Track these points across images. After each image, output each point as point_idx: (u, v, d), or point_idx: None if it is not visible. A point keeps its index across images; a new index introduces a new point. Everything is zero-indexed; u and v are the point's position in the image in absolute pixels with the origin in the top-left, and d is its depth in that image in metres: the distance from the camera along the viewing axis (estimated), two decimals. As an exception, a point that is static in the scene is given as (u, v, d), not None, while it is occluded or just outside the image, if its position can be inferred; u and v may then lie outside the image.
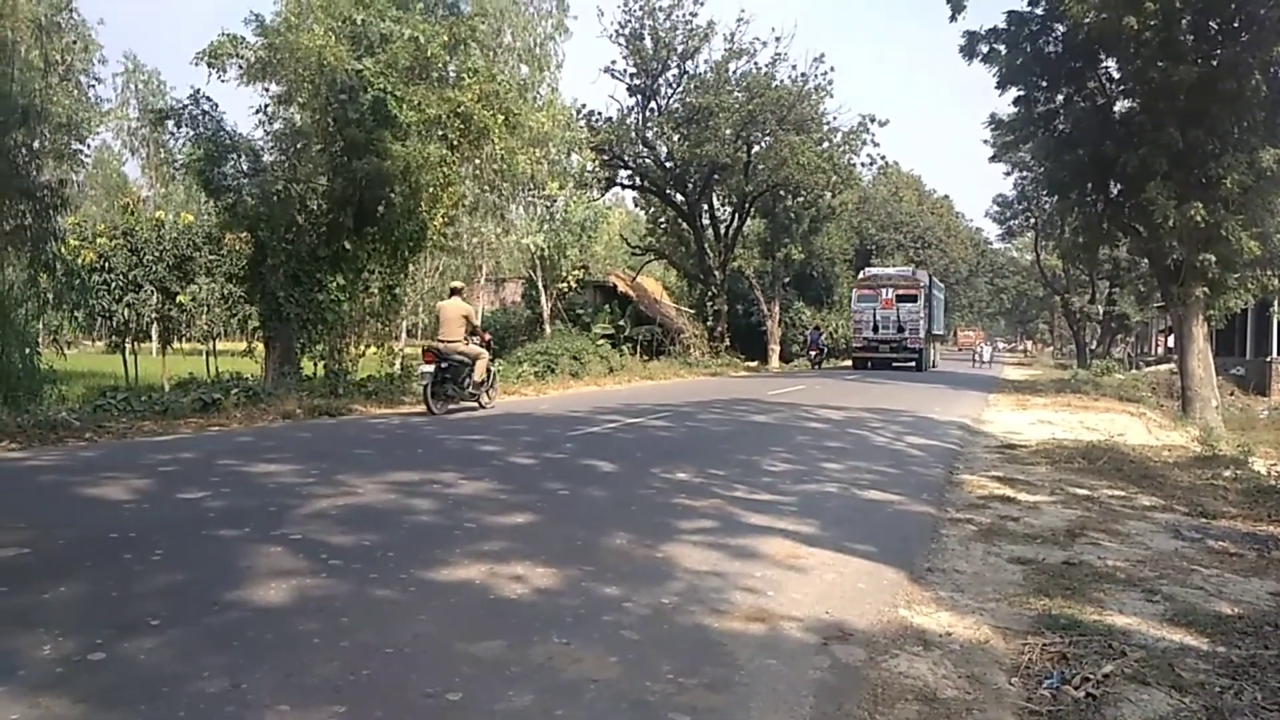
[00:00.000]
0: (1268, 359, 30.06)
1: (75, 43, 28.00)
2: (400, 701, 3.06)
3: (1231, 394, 27.29)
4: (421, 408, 13.15)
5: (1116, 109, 20.12)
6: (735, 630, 3.90)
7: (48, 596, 4.04)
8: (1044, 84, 20.55)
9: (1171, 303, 20.29)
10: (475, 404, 13.82)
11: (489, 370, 14.12)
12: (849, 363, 37.57)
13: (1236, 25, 17.13)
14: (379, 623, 3.83)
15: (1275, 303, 27.25)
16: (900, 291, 33.62)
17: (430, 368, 12.74)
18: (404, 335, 26.47)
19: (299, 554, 4.83)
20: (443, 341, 13.18)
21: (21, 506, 6.14)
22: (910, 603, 4.46)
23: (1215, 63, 17.09)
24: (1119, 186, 20.05)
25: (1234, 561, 5.49)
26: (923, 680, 3.46)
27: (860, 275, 37.35)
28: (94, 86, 33.45)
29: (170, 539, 5.11)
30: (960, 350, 71.56)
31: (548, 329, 27.81)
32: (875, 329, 33.73)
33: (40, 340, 13.38)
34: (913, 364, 33.95)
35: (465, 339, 13.45)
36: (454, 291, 14.33)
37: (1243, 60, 16.35)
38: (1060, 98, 20.64)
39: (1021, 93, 20.86)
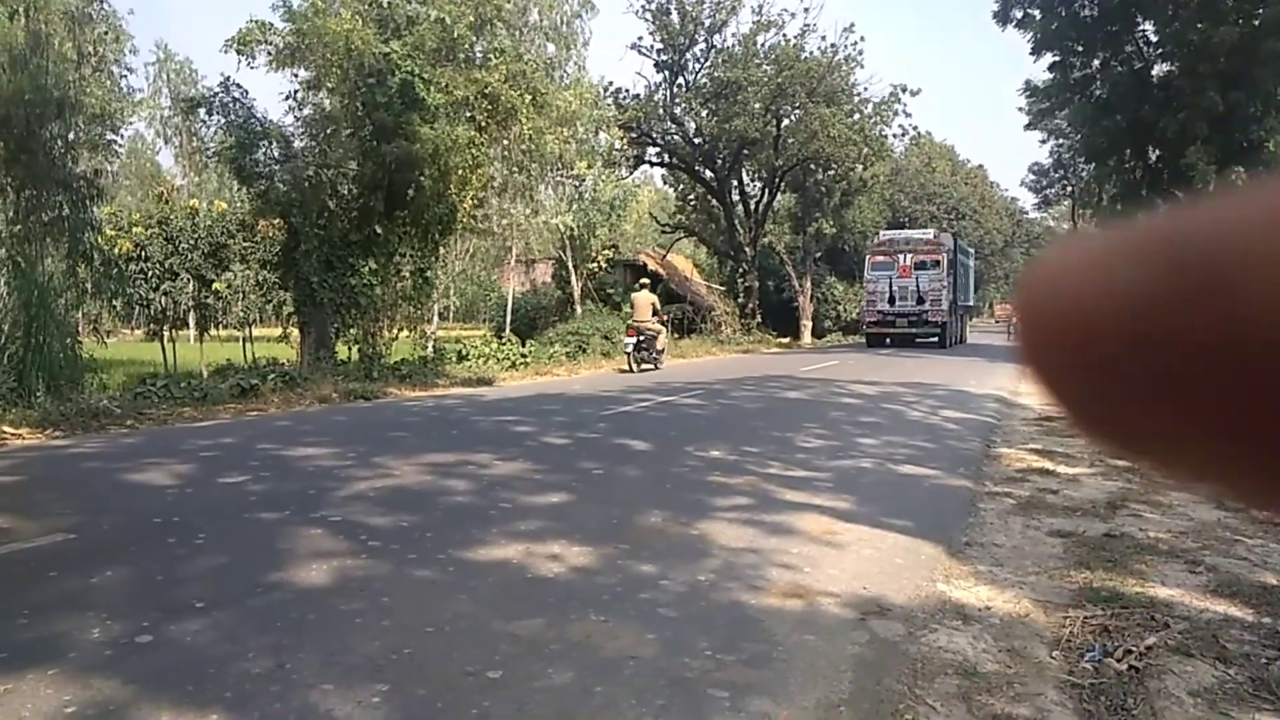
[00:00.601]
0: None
1: (106, 33, 28.23)
2: (441, 680, 3.09)
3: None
4: (458, 389, 13.33)
5: (1155, 73, 19.74)
6: (772, 607, 3.90)
7: (95, 581, 4.13)
8: (1080, 49, 20.21)
9: (1212, 270, 19.91)
10: (654, 365, 18.73)
11: (664, 342, 19.37)
12: (862, 340, 33.47)
13: (1279, -17, 16.68)
14: (419, 602, 3.87)
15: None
16: (920, 257, 29.76)
17: (632, 340, 18.05)
18: (436, 318, 26.60)
19: (339, 535, 4.89)
20: (638, 321, 18.32)
21: (67, 493, 6.26)
22: (949, 577, 4.43)
23: (1258, 22, 16.69)
24: (1158, 152, 19.71)
25: (1278, 531, 5.40)
26: (962, 654, 3.44)
27: (874, 241, 33.40)
28: (126, 77, 33.88)
29: (213, 523, 5.20)
30: (998, 323, 70.76)
31: (578, 309, 27.82)
32: (892, 300, 29.80)
33: (80, 329, 13.61)
34: (935, 339, 30.11)
35: (651, 319, 18.45)
36: (642, 285, 19.56)
37: (1286, 19, 15.94)
38: (1097, 62, 20.30)
39: (1057, 58, 20.54)
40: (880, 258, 30.40)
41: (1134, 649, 3.43)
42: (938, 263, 29.47)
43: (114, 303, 15.47)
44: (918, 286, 29.37)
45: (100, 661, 3.20)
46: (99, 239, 13.66)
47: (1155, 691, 3.13)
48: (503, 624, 3.63)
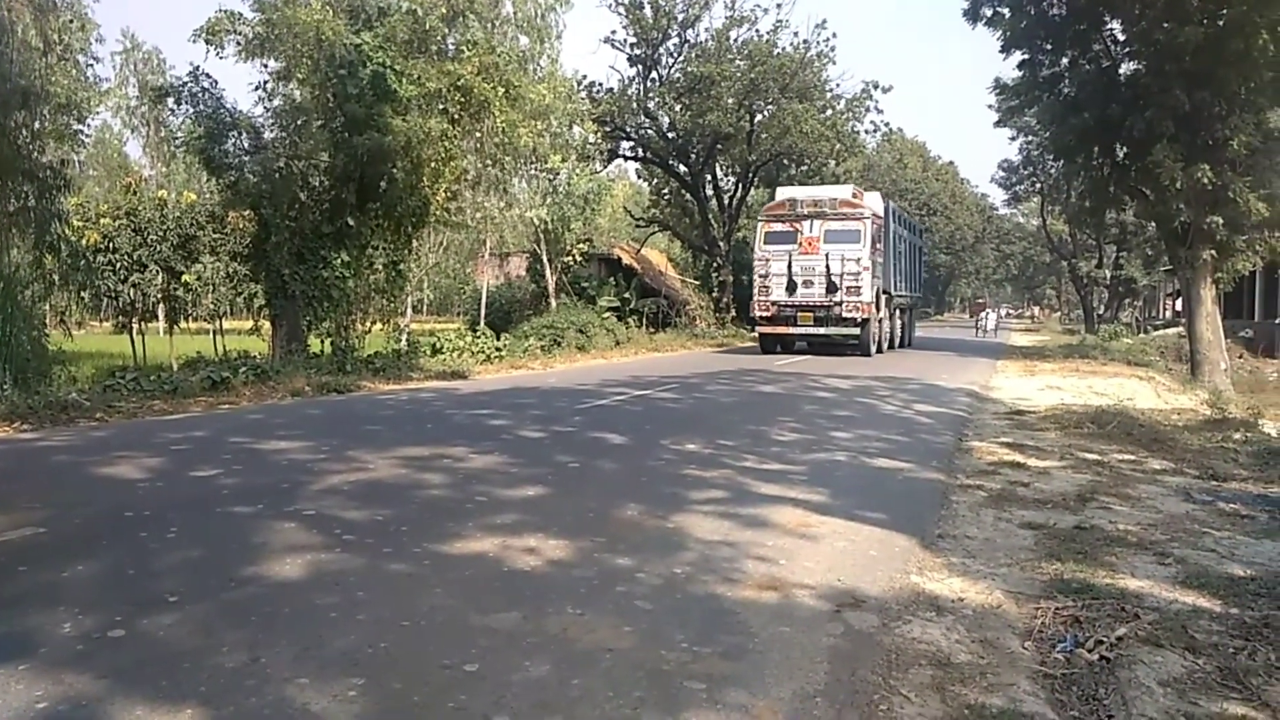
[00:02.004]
0: (1277, 321, 29.92)
1: (72, 22, 27.81)
2: (418, 673, 3.08)
3: (1240, 356, 27.17)
4: (433, 383, 13.31)
5: (1122, 71, 19.91)
6: (748, 599, 3.92)
7: (66, 575, 4.08)
8: (1048, 47, 20.33)
9: (1179, 266, 20.19)
10: None
11: None
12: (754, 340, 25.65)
13: (1244, -17, 16.89)
14: (394, 596, 3.86)
15: (1284, 264, 27.11)
16: (833, 225, 21.72)
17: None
18: (409, 311, 26.46)
19: (313, 529, 4.86)
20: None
21: (37, 487, 6.17)
22: (922, 569, 4.47)
23: (1222, 23, 16.88)
24: (1125, 149, 19.88)
25: (1245, 524, 5.49)
26: (936, 645, 3.48)
27: (768, 202, 25.12)
28: (92, 66, 33.25)
29: (185, 517, 5.15)
30: (972, 318, 71.24)
31: (553, 303, 27.75)
32: (791, 288, 21.71)
33: (47, 322, 13.41)
34: (854, 343, 22.28)
35: None
36: None
37: (1250, 20, 16.13)
38: (1065, 61, 20.43)
39: (1026, 56, 20.65)
40: (775, 226, 22.34)
41: (1105, 639, 3.48)
42: (858, 234, 21.49)
43: (82, 294, 15.26)
44: (828, 267, 21.38)
45: (72, 656, 3.17)
46: (66, 230, 13.45)
47: (1126, 681, 3.18)
48: (479, 617, 3.62)
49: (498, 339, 21.78)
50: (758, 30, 33.87)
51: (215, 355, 15.64)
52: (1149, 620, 3.69)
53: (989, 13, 20.16)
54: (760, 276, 22.33)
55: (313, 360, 14.97)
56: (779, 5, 43.61)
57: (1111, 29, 19.81)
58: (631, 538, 4.87)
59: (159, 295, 15.66)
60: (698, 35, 34.14)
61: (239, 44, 15.62)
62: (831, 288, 21.46)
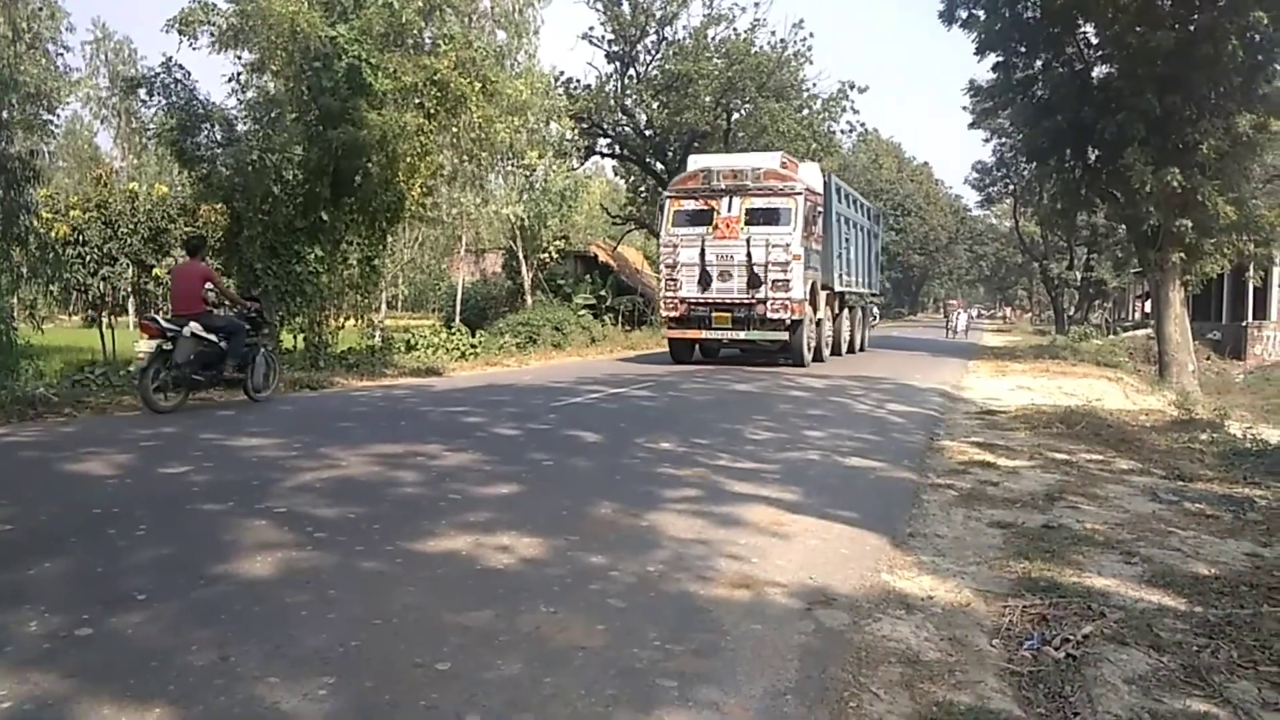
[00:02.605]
0: (1244, 324, 30.37)
1: (41, 10, 27.44)
2: (389, 672, 3.08)
3: (1208, 358, 27.57)
4: (407, 379, 13.28)
5: (1095, 75, 20.14)
6: (721, 597, 3.94)
7: (33, 573, 4.03)
8: (1023, 50, 20.53)
9: (1149, 268, 20.46)
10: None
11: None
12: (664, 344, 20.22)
13: (1214, -10, 17.13)
14: (366, 594, 3.84)
15: (1251, 268, 27.50)
16: (756, 202, 17.40)
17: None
18: (384, 307, 26.29)
19: (284, 527, 4.84)
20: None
21: (2, 483, 6.09)
22: (892, 567, 4.51)
23: (1193, 28, 17.12)
24: (1097, 152, 20.10)
25: (1210, 523, 5.58)
26: (905, 643, 3.51)
27: (680, 176, 19.80)
28: (62, 55, 32.80)
29: (154, 514, 5.10)
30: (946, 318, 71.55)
31: (529, 300, 27.71)
32: (704, 281, 17.41)
33: (15, 315, 13.22)
34: (783, 348, 18.01)
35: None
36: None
37: (1220, 25, 16.38)
38: (1039, 64, 20.64)
39: (1000, 59, 20.84)
40: (686, 204, 17.94)
41: (1071, 637, 3.53)
42: (788, 213, 17.19)
43: (50, 288, 15.04)
44: (749, 256, 17.04)
45: (38, 655, 3.13)
46: (35, 222, 13.26)
47: (1092, 679, 3.22)
48: (452, 615, 3.62)
49: (473, 336, 21.70)
50: (735, 29, 33.92)
51: (187, 350, 15.44)
52: (1115, 618, 3.74)
53: (964, 15, 20.33)
54: (667, 267, 17.77)
55: (285, 356, 14.84)
56: (756, 4, 43.75)
57: (1085, 33, 20.04)
58: (605, 536, 4.88)
59: (129, 289, 15.48)
60: (675, 33, 34.15)
61: (213, 35, 15.44)
62: (754, 281, 16.92)
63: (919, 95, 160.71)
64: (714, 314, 17.54)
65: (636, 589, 4.03)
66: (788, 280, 16.84)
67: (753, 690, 3.04)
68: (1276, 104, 18.28)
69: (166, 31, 15.18)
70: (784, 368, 17.64)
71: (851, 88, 35.16)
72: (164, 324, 9.76)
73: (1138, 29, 17.08)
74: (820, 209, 18.88)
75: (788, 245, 16.85)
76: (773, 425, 9.55)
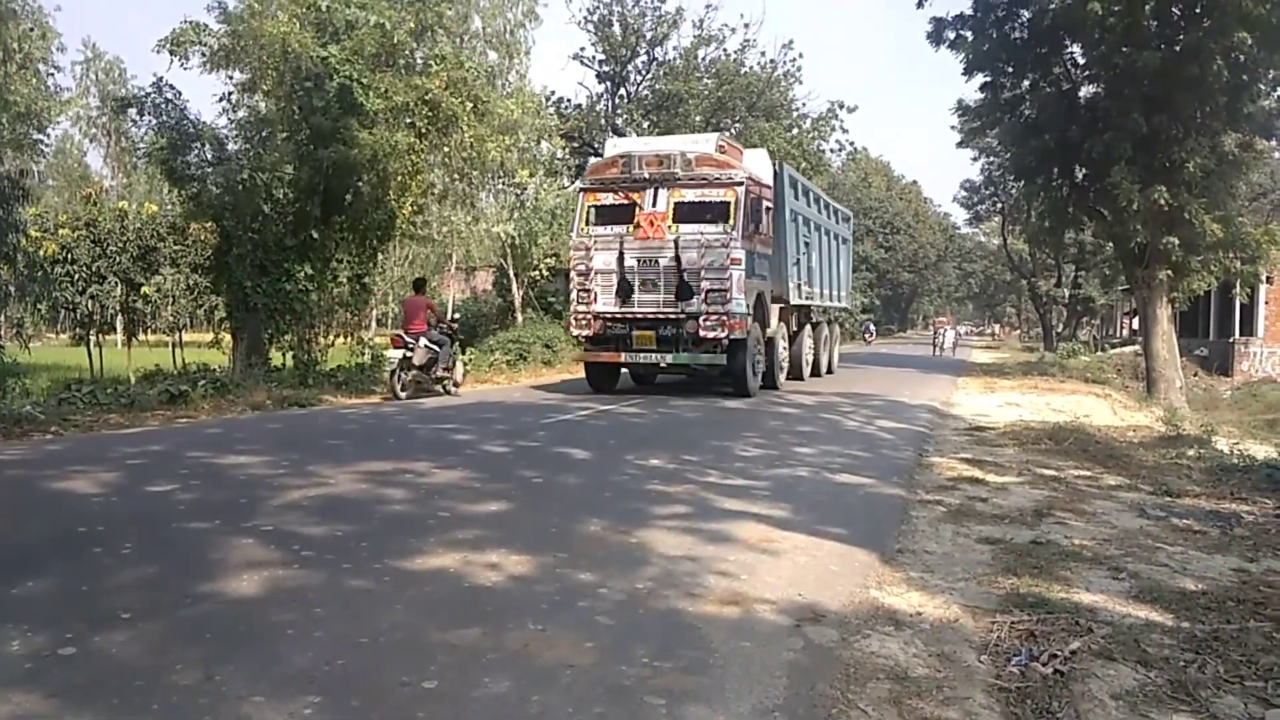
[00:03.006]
0: (1231, 340, 30.53)
1: (32, 30, 27.44)
2: (375, 691, 3.06)
3: (1195, 375, 27.70)
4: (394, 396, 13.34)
5: (1081, 94, 20.30)
6: (709, 614, 3.93)
7: (16, 592, 4.00)
8: (1010, 70, 20.69)
9: (1136, 285, 20.55)
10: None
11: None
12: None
13: (1198, 11, 17.32)
14: (353, 613, 3.82)
15: (1238, 285, 27.67)
16: (687, 194, 14.33)
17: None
18: (373, 325, 26.27)
19: (271, 545, 4.81)
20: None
21: (-14, 502, 6.05)
22: (881, 584, 4.51)
23: (1178, 48, 17.28)
24: (1084, 171, 20.25)
25: (1198, 539, 5.59)
26: (894, 659, 3.50)
27: (596, 161, 16.19)
28: (53, 75, 32.78)
29: (140, 532, 5.07)
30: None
31: (519, 317, 27.70)
32: (622, 291, 14.22)
33: (2, 333, 13.17)
34: (722, 373, 14.89)
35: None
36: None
37: (1205, 46, 16.54)
38: (1026, 83, 20.80)
39: (988, 79, 21.00)
40: (604, 197, 14.64)
41: (1059, 653, 3.53)
42: (725, 208, 14.02)
43: (38, 306, 15.00)
44: (679, 260, 13.77)
45: (20, 675, 3.11)
46: (24, 241, 13.23)
47: (1079, 694, 3.22)
48: (439, 634, 3.60)
49: (463, 353, 21.67)
50: (725, 50, 34.19)
51: (174, 368, 15.41)
52: (1102, 634, 3.74)
53: (952, 36, 20.49)
54: (579, 275, 14.42)
55: (274, 374, 14.81)
56: (746, 26, 44.26)
57: (1071, 53, 20.22)
58: (594, 553, 4.87)
59: (117, 307, 15.43)
60: (666, 54, 34.39)
61: (204, 55, 15.51)
62: (684, 291, 13.69)
63: (907, 113, 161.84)
64: (635, 332, 14.22)
65: (625, 606, 4.01)
66: (726, 290, 13.58)
67: (741, 708, 3.02)
68: (1261, 123, 18.49)
69: (158, 52, 15.25)
70: (763, 392, 15.54)
71: (840, 107, 35.42)
72: (405, 339, 13.76)
73: (1124, 49, 17.25)
74: (770, 205, 15.63)
75: (726, 247, 13.64)
76: (762, 441, 9.56)
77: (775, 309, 16.17)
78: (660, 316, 14.05)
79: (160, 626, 3.62)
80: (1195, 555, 5.17)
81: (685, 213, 14.10)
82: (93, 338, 15.56)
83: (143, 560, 4.56)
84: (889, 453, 9.17)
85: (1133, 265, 20.09)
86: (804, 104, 35.99)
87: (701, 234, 13.81)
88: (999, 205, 51.97)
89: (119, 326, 16.99)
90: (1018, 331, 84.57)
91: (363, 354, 17.76)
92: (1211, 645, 3.65)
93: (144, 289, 14.94)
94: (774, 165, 16.68)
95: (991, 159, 43.92)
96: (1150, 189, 17.38)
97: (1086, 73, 20.20)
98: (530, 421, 10.91)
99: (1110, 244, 26.21)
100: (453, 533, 5.20)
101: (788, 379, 17.66)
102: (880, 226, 64.76)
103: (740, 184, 14.02)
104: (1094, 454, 9.15)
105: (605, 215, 14.58)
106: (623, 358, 14.60)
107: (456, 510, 5.82)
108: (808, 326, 19.08)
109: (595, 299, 14.27)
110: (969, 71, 20.90)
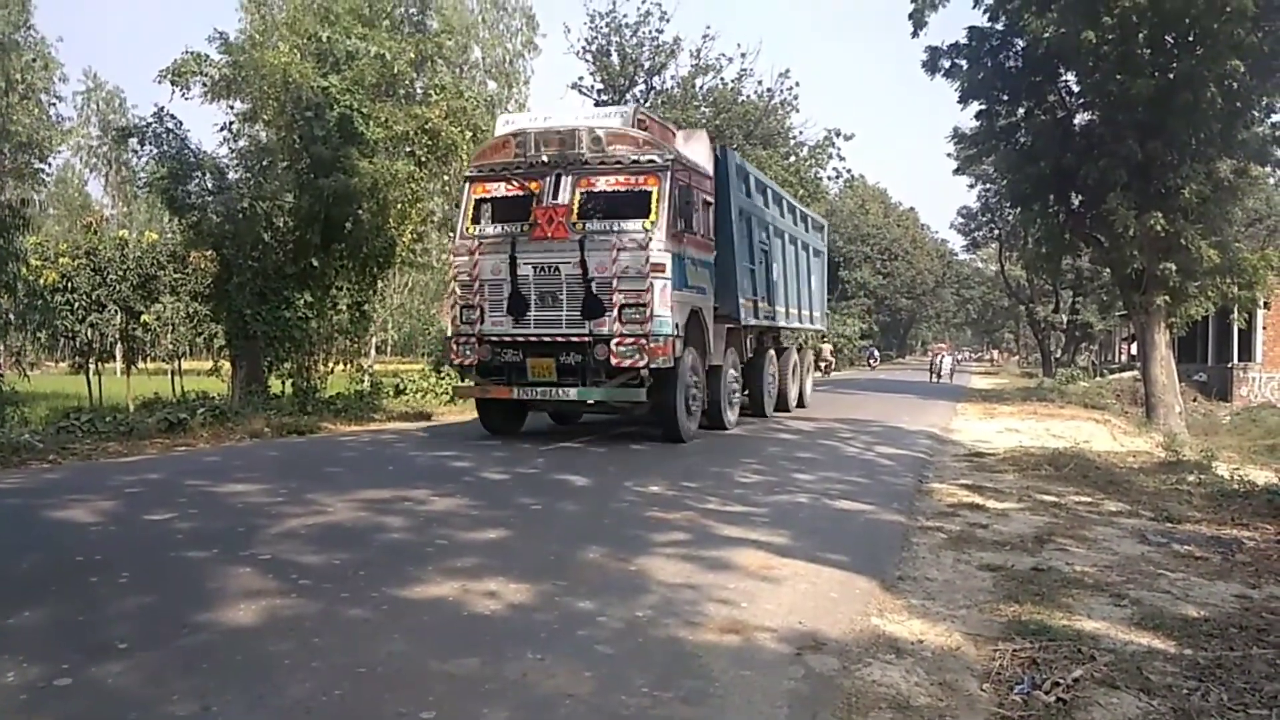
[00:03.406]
0: (1229, 365, 30.57)
1: (35, 60, 27.63)
2: (374, 721, 3.04)
3: (1194, 400, 27.72)
4: (396, 424, 13.29)
5: (1076, 122, 20.48)
6: (710, 642, 3.90)
7: (12, 621, 3.97)
8: (1005, 98, 20.88)
9: (1134, 311, 20.63)
10: None
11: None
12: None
13: (1191, 39, 17.51)
14: (351, 642, 3.80)
15: (1235, 310, 27.75)
16: (597, 183, 11.22)
17: None
18: (373, 352, 26.30)
19: (269, 574, 4.79)
20: None
21: (-17, 531, 6.02)
22: (882, 611, 4.48)
23: (1172, 75, 17.45)
24: (1080, 197, 20.39)
25: (1199, 565, 5.57)
26: (896, 688, 3.48)
27: (484, 143, 13.98)
28: (54, 105, 33.05)
29: (137, 561, 5.05)
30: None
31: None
32: (516, 308, 11.11)
33: (2, 362, 13.19)
34: (645, 410, 11.87)
35: None
36: None
37: (1198, 73, 16.70)
38: (1021, 111, 20.99)
39: (983, 107, 21.19)
40: (494, 188, 11.76)
41: (1061, 681, 3.51)
42: (646, 199, 11.10)
43: (38, 335, 15.04)
44: (585, 266, 10.84)
45: (15, 706, 3.08)
46: (24, 269, 13.28)
47: (1081, 722, 3.20)
48: (437, 663, 3.58)
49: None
50: (723, 78, 34.42)
51: (173, 396, 15.41)
52: (1105, 661, 3.72)
53: (947, 64, 20.68)
54: (462, 286, 11.46)
55: (273, 401, 14.81)
56: (743, 55, 44.22)
57: (1066, 81, 20.42)
58: (593, 581, 4.85)
59: (117, 335, 15.46)
60: (664, 82, 34.62)
61: (205, 85, 15.63)
62: (593, 307, 10.71)
63: (905, 141, 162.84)
64: (530, 360, 11.07)
65: (624, 635, 3.99)
66: (645, 305, 10.56)
67: (741, 737, 3.00)
68: (1256, 149, 18.63)
69: (159, 82, 15.37)
70: (745, 421, 14.37)
71: (838, 135, 35.66)
72: None
73: (1118, 77, 17.40)
74: (709, 199, 12.51)
75: (645, 249, 10.61)
76: (761, 468, 9.54)
77: (721, 330, 13.02)
78: (562, 340, 10.92)
79: (157, 656, 3.59)
80: (1197, 581, 5.15)
81: (594, 206, 11.34)
82: (92, 366, 15.59)
83: (140, 589, 4.54)
84: (889, 479, 9.15)
85: (1130, 291, 20.17)
86: (801, 132, 36.24)
87: (614, 233, 10.79)
88: (996, 232, 52.26)
89: (118, 355, 17.02)
90: (1016, 357, 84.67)
91: (362, 381, 17.77)
92: (1214, 673, 3.63)
93: (144, 317, 14.98)
94: (715, 151, 13.21)
95: (988, 186, 44.18)
96: (1146, 215, 17.49)
97: (1081, 100, 20.39)
98: (529, 448, 10.87)
99: (1107, 270, 26.35)
100: (451, 561, 5.17)
101: (746, 415, 14.80)
102: (878, 253, 64.97)
103: (664, 169, 10.97)
104: (1094, 480, 9.14)
105: (495, 211, 11.79)
106: (514, 393, 11.25)
107: (455, 538, 5.80)
108: (770, 352, 16.11)
109: (481, 317, 11.22)
110: (964, 99, 21.09)
